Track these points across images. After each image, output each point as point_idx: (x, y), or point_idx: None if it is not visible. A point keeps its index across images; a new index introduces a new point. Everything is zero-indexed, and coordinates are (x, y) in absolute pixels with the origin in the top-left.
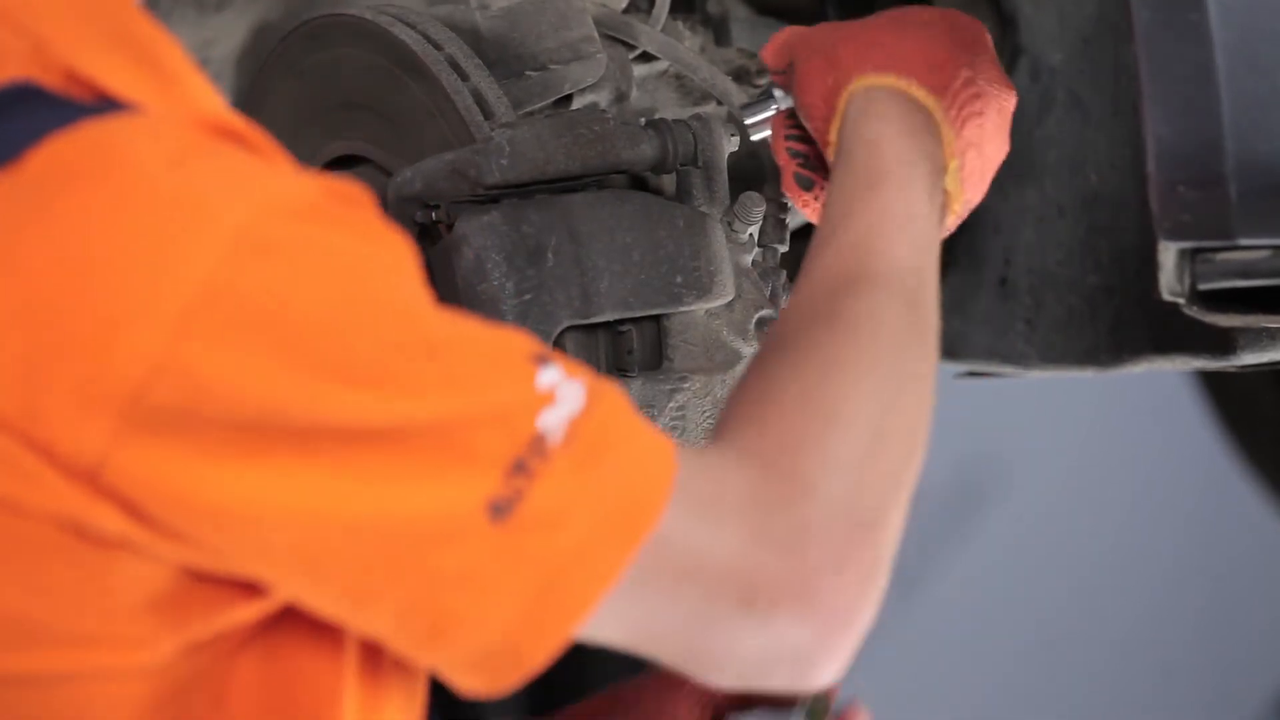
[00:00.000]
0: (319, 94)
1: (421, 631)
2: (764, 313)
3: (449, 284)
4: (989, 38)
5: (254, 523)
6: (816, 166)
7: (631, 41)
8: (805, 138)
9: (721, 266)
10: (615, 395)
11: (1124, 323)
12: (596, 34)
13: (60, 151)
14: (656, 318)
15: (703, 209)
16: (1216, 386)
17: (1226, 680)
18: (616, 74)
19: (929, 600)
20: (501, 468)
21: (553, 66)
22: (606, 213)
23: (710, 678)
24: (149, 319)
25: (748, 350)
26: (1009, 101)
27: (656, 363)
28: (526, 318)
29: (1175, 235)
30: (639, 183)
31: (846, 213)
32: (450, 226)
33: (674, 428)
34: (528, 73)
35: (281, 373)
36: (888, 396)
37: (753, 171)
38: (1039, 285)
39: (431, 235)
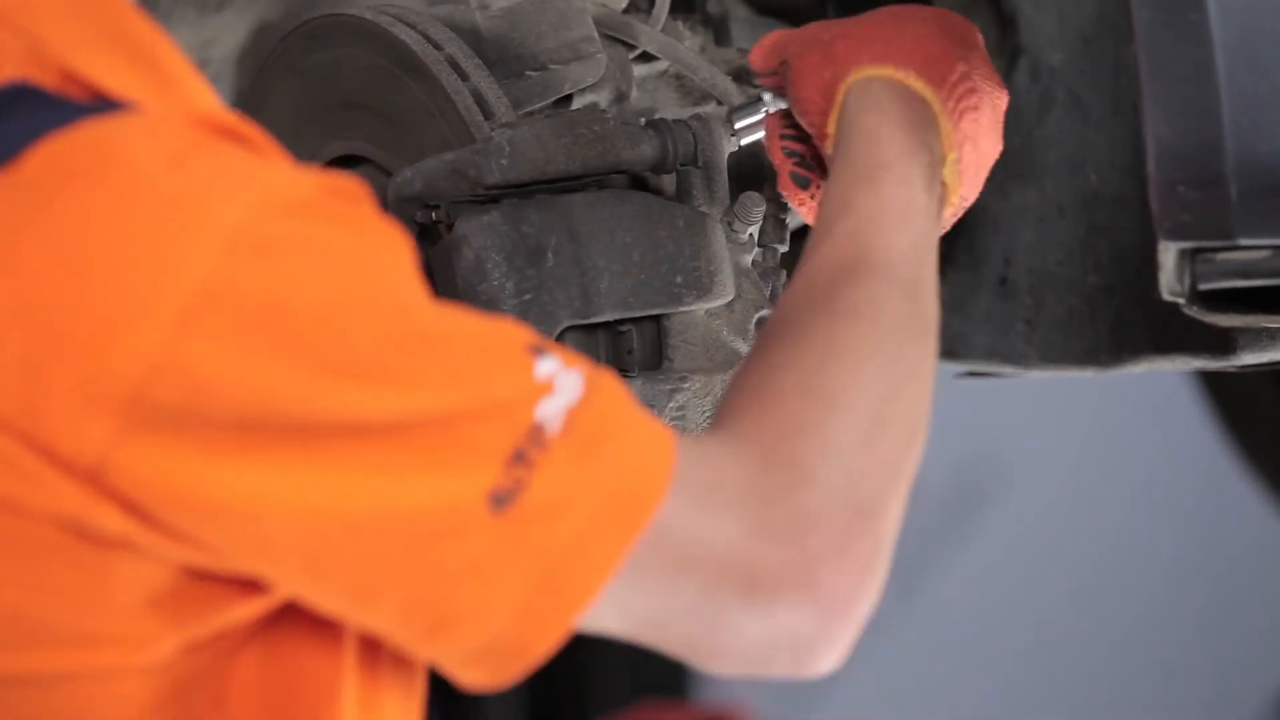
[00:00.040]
0: (319, 94)
1: (424, 625)
2: (764, 313)
3: (449, 284)
4: (980, 38)
5: (255, 520)
6: (813, 165)
7: (631, 41)
8: (800, 137)
9: (721, 266)
10: (613, 384)
11: (1124, 323)
12: (596, 34)
13: (58, 151)
14: (656, 318)
15: (703, 209)
16: (1216, 386)
17: (1226, 680)
18: (616, 74)
19: (929, 600)
20: (501, 458)
21: (553, 66)
22: (606, 213)
23: (711, 666)
24: (148, 318)
25: (747, 350)
26: (1002, 100)
27: (656, 363)
28: (526, 318)
29: (1175, 235)
30: (639, 183)
31: (845, 203)
32: (450, 226)
33: (674, 427)
34: (528, 73)
35: (281, 370)
36: (887, 384)
37: (753, 171)
38: (1039, 285)
39: (431, 235)
